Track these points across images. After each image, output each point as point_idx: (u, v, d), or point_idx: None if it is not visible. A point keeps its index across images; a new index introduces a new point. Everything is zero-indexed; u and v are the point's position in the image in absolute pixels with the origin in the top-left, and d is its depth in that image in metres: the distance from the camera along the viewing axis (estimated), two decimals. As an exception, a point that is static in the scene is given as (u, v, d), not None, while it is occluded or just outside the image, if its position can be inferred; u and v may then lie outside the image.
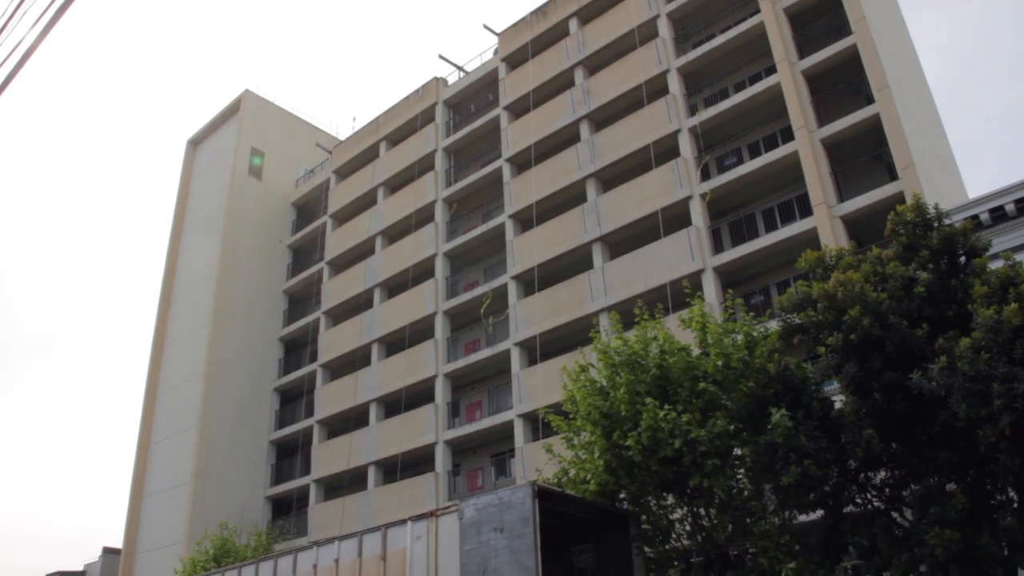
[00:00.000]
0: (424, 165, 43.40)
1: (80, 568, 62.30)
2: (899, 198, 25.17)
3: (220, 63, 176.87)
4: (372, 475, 38.60)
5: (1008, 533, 13.06)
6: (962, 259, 14.90)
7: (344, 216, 47.67)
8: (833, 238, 26.09)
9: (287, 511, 43.07)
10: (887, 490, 15.14)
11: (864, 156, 28.80)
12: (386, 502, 36.24)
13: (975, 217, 21.67)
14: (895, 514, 15.05)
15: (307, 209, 52.48)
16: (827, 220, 27.07)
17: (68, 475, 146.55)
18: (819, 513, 15.40)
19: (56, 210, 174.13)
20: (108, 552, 57.06)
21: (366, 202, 46.54)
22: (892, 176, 27.13)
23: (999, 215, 22.29)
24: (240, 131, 51.45)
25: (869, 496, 15.27)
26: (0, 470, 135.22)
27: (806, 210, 28.53)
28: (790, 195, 30.09)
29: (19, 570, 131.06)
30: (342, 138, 52.96)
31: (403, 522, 13.88)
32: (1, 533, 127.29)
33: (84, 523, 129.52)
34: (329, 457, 40.86)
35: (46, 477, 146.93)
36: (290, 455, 45.15)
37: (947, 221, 15.37)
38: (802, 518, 15.89)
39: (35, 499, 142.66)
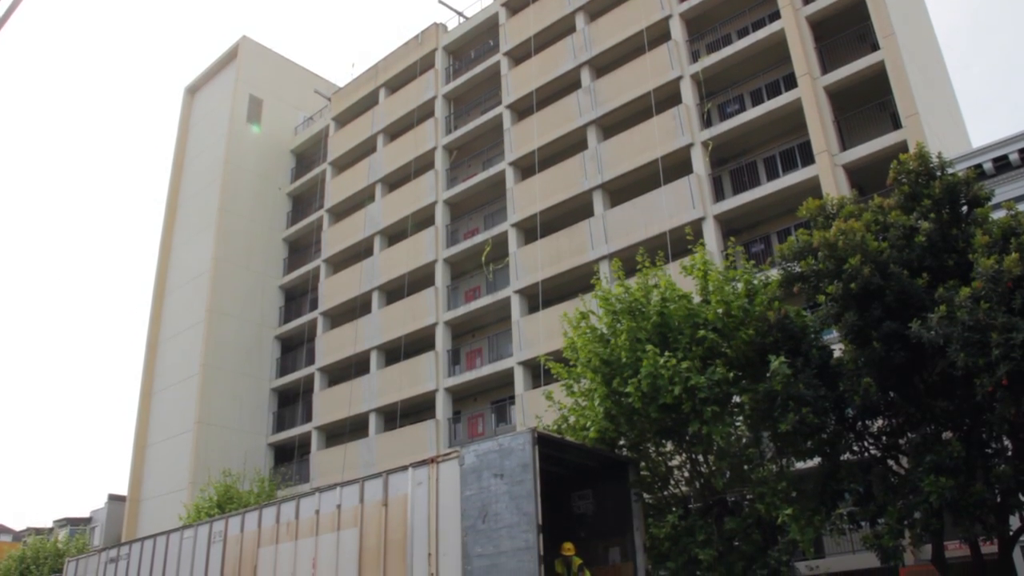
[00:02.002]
0: (424, 112, 43.05)
1: (87, 515, 63.20)
2: (902, 147, 25.01)
3: (218, 10, 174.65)
4: (373, 422, 38.90)
5: (1001, 480, 13.21)
6: (964, 209, 14.85)
7: (343, 164, 47.41)
8: (835, 187, 25.97)
9: (289, 458, 43.48)
10: (884, 438, 15.27)
11: (868, 104, 28.54)
12: (387, 449, 36.57)
13: (979, 167, 21.59)
14: (891, 462, 15.19)
15: (306, 157, 52.15)
16: (829, 169, 26.93)
17: (73, 425, 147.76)
18: (816, 460, 15.55)
19: (54, 158, 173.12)
20: (113, 499, 57.87)
21: (365, 149, 46.25)
22: (896, 125, 26.93)
23: (1003, 165, 22.19)
24: (238, 78, 50.91)
25: (866, 444, 15.41)
26: (8, 421, 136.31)
27: (808, 158, 28.37)
28: (792, 143, 29.89)
29: (28, 517, 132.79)
30: (341, 85, 52.45)
31: (404, 468, 14.00)
32: (10, 482, 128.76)
33: (90, 471, 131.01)
34: (330, 404, 41.14)
35: (52, 428, 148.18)
36: (291, 403, 45.47)
37: (950, 170, 15.29)
38: (799, 465, 16.04)
39: (42, 449, 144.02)
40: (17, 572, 42.73)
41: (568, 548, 13.80)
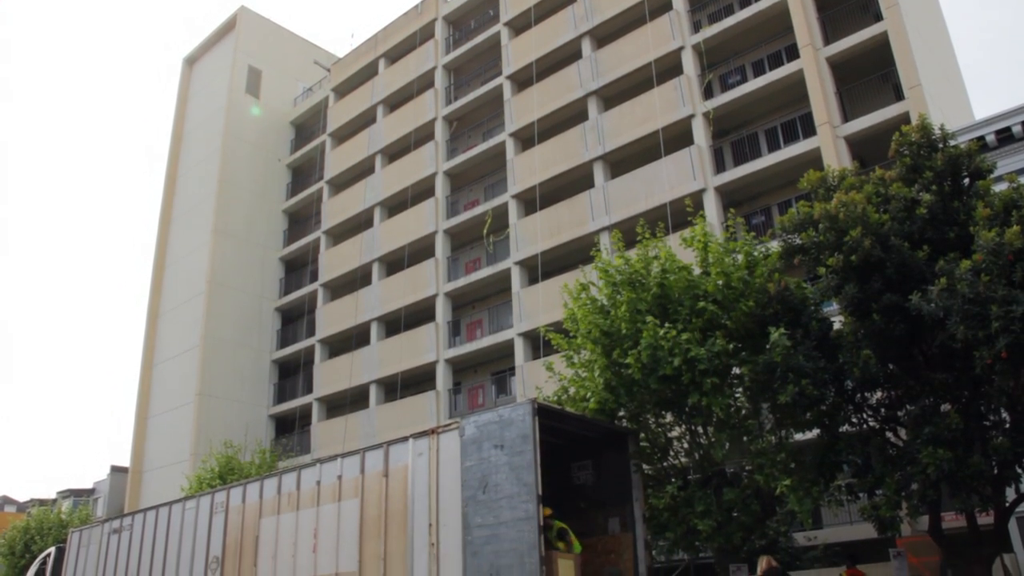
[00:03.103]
0: (424, 83, 42.80)
1: (90, 486, 63.65)
2: (904, 119, 24.89)
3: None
4: (373, 393, 39.02)
5: (998, 452, 13.25)
6: (966, 181, 14.80)
7: (343, 135, 47.21)
8: (836, 159, 25.87)
9: (290, 429, 43.67)
10: (883, 410, 15.31)
11: (870, 76, 28.37)
12: (387, 420, 36.71)
13: (981, 139, 21.50)
14: (890, 434, 15.24)
15: (306, 128, 51.93)
16: (831, 140, 26.82)
17: (76, 398, 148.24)
18: (815, 432, 15.60)
19: (52, 129, 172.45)
20: (116, 470, 58.27)
21: (365, 120, 46.04)
22: (898, 96, 26.78)
23: (1005, 137, 22.10)
24: (236, 49, 50.55)
25: (865, 416, 15.45)
26: (12, 395, 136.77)
27: (810, 130, 28.25)
28: (794, 115, 29.74)
29: (32, 489, 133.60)
30: (340, 56, 52.11)
31: (405, 439, 14.03)
32: (15, 454, 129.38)
33: (93, 443, 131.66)
34: (331, 376, 41.25)
35: (55, 401, 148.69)
36: (292, 374, 45.59)
37: (952, 142, 15.20)
38: (798, 437, 16.10)
39: (45, 422, 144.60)
40: (22, 542, 43.07)
41: (545, 511, 13.88)
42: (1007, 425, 13.99)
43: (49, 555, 25.99)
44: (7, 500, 77.87)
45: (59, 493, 66.32)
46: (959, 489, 13.47)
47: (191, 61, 54.95)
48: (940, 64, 31.39)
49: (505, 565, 11.76)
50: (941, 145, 15.00)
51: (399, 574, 13.16)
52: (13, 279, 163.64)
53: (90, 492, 63.53)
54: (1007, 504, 14.63)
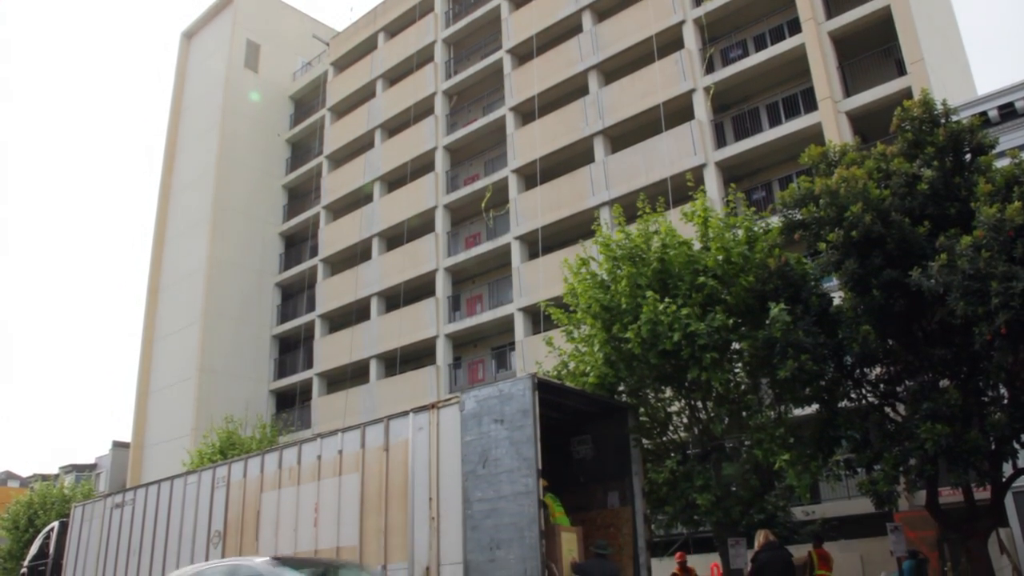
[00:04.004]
0: (423, 57, 42.57)
1: (92, 461, 63.96)
2: (907, 94, 24.78)
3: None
4: (374, 368, 39.11)
5: (996, 428, 13.28)
6: (967, 157, 14.72)
7: (343, 109, 47.02)
8: (838, 134, 25.78)
9: (291, 404, 43.81)
10: (882, 386, 15.32)
11: (873, 50, 28.23)
12: (388, 395, 36.83)
13: (983, 114, 21.38)
14: (888, 409, 15.26)
15: (305, 103, 51.71)
16: (832, 115, 26.72)
17: (78, 374, 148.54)
18: (814, 407, 15.63)
19: (49, 104, 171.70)
20: (118, 446, 58.56)
21: (365, 95, 45.84)
22: (901, 71, 26.65)
23: (1008, 112, 22.00)
24: (235, 23, 50.26)
25: (864, 391, 15.46)
26: (15, 371, 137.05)
27: (811, 105, 28.14)
28: (795, 89, 29.62)
29: (35, 464, 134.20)
30: (339, 29, 51.78)
31: (405, 414, 14.07)
32: (17, 430, 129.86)
33: (95, 419, 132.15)
34: (331, 351, 41.34)
35: (57, 377, 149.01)
36: (292, 349, 45.68)
37: (955, 118, 15.11)
38: (797, 412, 16.12)
39: (48, 397, 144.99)
40: (25, 517, 43.35)
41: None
42: (1005, 401, 14.00)
43: (52, 529, 26.17)
44: (10, 475, 78.30)
45: (61, 468, 66.66)
46: (956, 464, 13.51)
47: (189, 35, 54.59)
48: (943, 39, 31.21)
49: (505, 539, 11.84)
50: (943, 120, 14.90)
51: (400, 548, 13.25)
52: (15, 256, 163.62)
53: (92, 467, 63.88)
54: (1004, 479, 14.69)
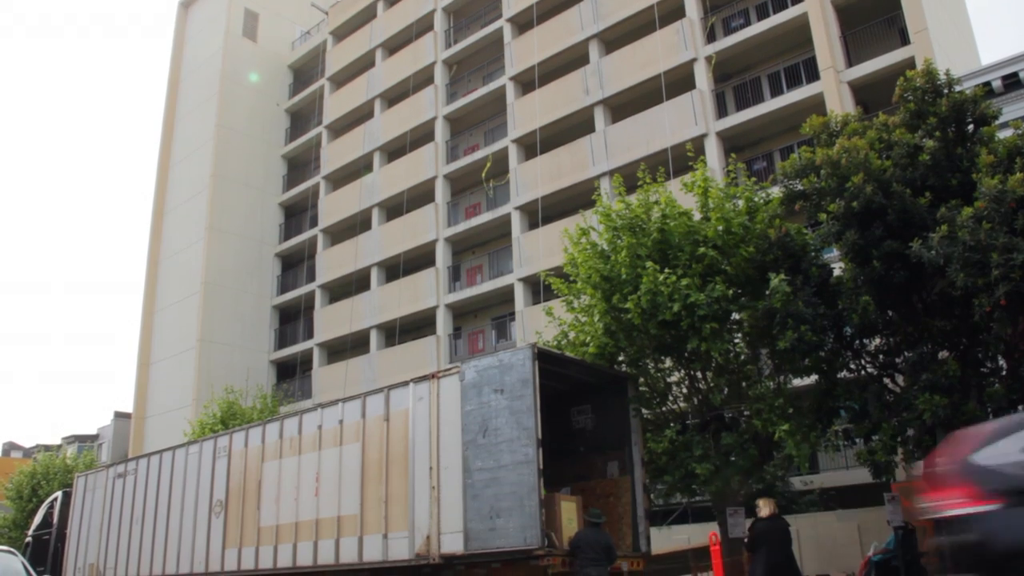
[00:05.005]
0: (423, 26, 42.26)
1: (94, 432, 64.26)
2: (910, 64, 24.56)
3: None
4: (374, 338, 39.18)
5: (993, 399, 13.32)
6: (970, 127, 14.65)
7: (342, 79, 46.74)
8: (840, 104, 25.62)
9: (291, 374, 43.93)
10: (881, 357, 15.35)
11: (876, 19, 27.99)
12: (388, 365, 36.91)
13: (987, 84, 21.26)
14: (887, 380, 15.30)
15: (304, 72, 51.36)
16: (834, 85, 26.56)
17: (80, 344, 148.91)
18: (813, 378, 15.67)
19: (47, 73, 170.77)
20: (119, 416, 58.78)
21: (364, 64, 45.53)
22: (904, 41, 26.43)
23: (1012, 82, 21.86)
24: (233, -11, 49.81)
25: (863, 362, 15.49)
26: (17, 342, 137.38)
27: (813, 75, 27.96)
28: (797, 59, 29.41)
29: (37, 435, 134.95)
30: (338, -3, 51.36)
31: (405, 384, 14.11)
32: (20, 401, 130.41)
33: (97, 390, 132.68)
34: (331, 321, 41.39)
35: (59, 347, 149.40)
36: (293, 320, 45.74)
37: (958, 88, 15.01)
38: (797, 382, 16.18)
39: (50, 368, 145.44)
40: (29, 487, 43.60)
41: None
42: (1004, 372, 14.05)
43: (56, 499, 26.33)
44: (13, 446, 78.69)
45: (64, 439, 66.99)
46: (954, 435, 13.56)
47: (186, 5, 54.08)
48: (947, 8, 30.94)
49: (505, 508, 11.93)
50: (946, 91, 14.80)
51: (400, 517, 13.35)
52: (14, 226, 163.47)
53: (94, 438, 64.18)
54: (1001, 450, 14.75)
